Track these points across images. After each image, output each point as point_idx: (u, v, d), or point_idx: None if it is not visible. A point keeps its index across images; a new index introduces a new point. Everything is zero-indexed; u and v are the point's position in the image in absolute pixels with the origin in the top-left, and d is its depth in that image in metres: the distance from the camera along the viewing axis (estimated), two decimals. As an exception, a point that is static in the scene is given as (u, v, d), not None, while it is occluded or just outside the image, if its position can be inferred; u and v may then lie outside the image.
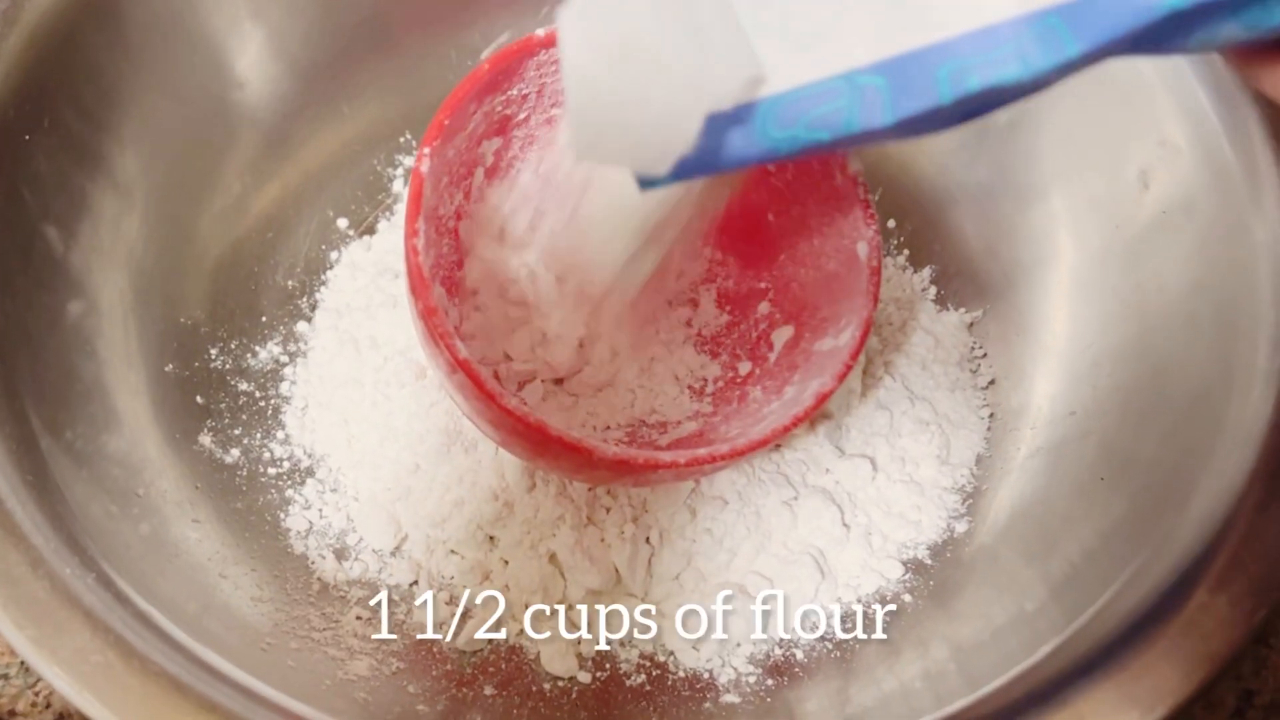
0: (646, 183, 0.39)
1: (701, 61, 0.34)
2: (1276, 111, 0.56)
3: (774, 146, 0.35)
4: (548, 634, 0.59)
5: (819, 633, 0.59)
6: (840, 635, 0.59)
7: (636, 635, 0.59)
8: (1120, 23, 0.32)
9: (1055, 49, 0.33)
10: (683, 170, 0.37)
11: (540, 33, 0.53)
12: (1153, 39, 0.33)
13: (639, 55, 0.34)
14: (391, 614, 0.59)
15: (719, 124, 0.35)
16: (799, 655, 0.59)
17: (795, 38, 0.35)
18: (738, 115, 0.35)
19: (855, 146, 0.36)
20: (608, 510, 0.60)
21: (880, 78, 0.34)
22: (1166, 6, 0.31)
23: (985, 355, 0.67)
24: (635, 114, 0.35)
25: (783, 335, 0.61)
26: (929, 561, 0.61)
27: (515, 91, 0.56)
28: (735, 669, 0.58)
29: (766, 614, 0.59)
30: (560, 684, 0.58)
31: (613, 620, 0.59)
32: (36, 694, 0.58)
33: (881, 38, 0.34)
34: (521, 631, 0.59)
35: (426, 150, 0.51)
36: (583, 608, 0.60)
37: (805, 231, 0.59)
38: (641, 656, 0.59)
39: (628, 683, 0.58)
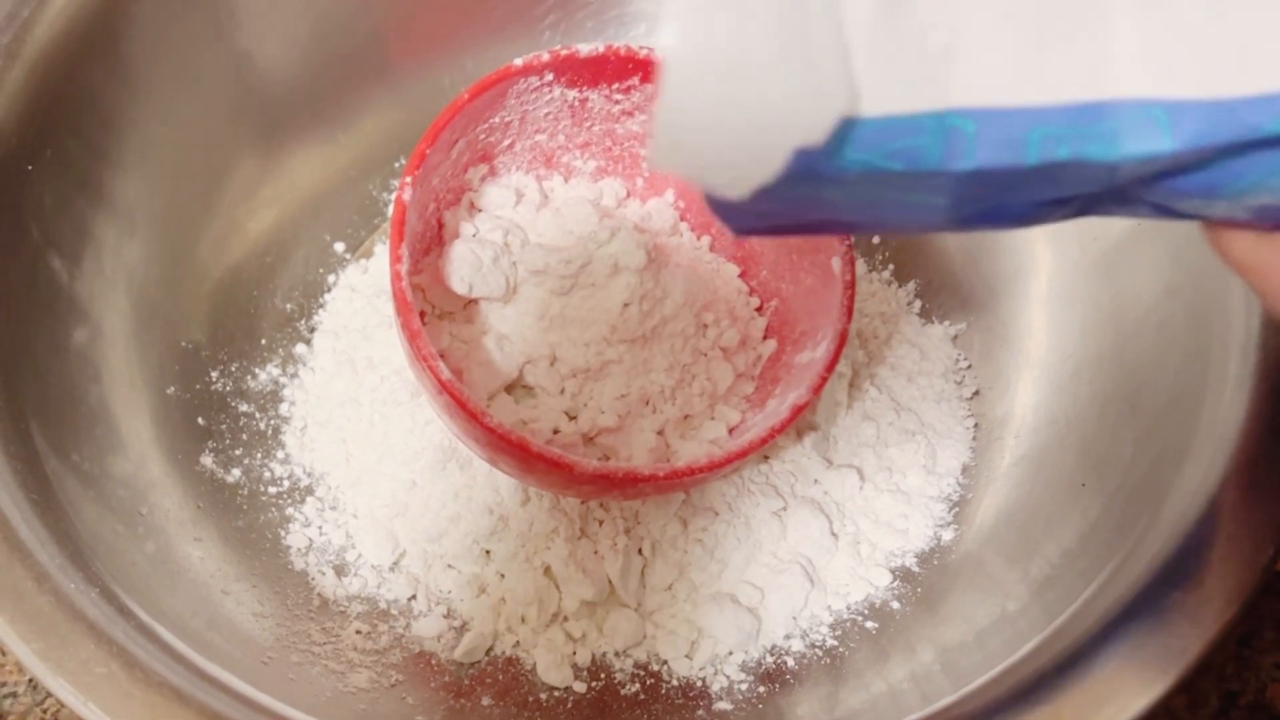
0: (741, 230, 0.37)
1: (803, 89, 0.32)
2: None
3: (843, 169, 0.33)
4: (543, 645, 0.60)
5: (809, 640, 0.60)
6: (830, 642, 0.60)
7: (630, 645, 0.60)
8: (1221, 131, 0.30)
9: (1149, 138, 0.31)
10: (763, 202, 0.34)
11: (518, 62, 0.54)
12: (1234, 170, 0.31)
13: (748, 68, 0.32)
14: (391, 627, 0.60)
15: (806, 159, 0.33)
16: (790, 662, 0.60)
17: (899, 70, 0.33)
18: (827, 151, 0.33)
19: (915, 212, 0.34)
20: (600, 523, 0.61)
21: (971, 123, 0.32)
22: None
23: (969, 366, 0.68)
24: (726, 129, 0.33)
25: (766, 349, 0.62)
26: (916, 569, 0.62)
27: (498, 119, 0.57)
28: (728, 677, 0.59)
29: (758, 622, 0.60)
30: (556, 694, 0.59)
31: (607, 630, 0.60)
32: (44, 710, 0.59)
33: (985, 86, 0.32)
34: (518, 643, 0.60)
35: (408, 179, 0.52)
36: (577, 619, 0.61)
37: (784, 248, 0.60)
38: (636, 666, 0.60)
39: (622, 692, 0.59)
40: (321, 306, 0.72)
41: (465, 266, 0.58)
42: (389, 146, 0.75)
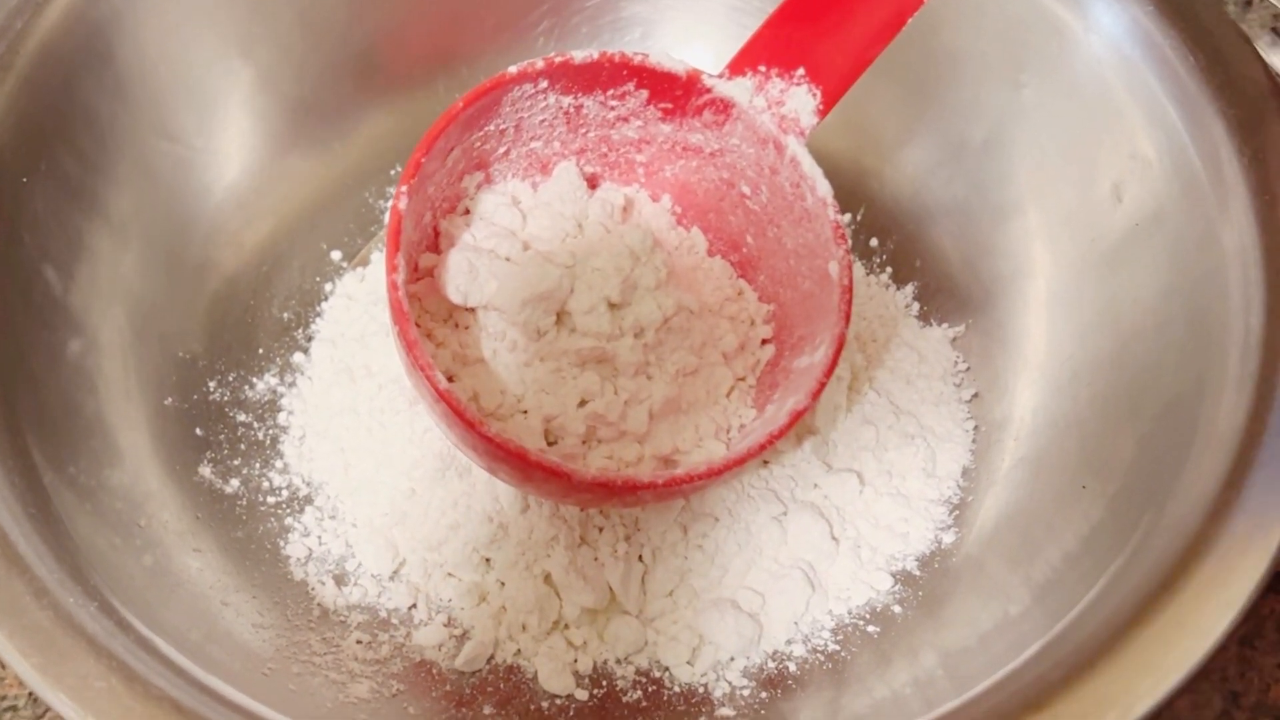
0: None
1: None
2: (1242, 122, 0.58)
3: None
4: (545, 653, 0.60)
5: (811, 645, 0.60)
6: (832, 647, 0.60)
7: (632, 652, 0.60)
8: None
9: None
10: None
11: (512, 69, 0.54)
12: None
13: None
14: (391, 637, 0.60)
15: None
16: (792, 667, 0.60)
17: None
18: None
19: None
20: (600, 530, 0.61)
21: None
22: None
23: (969, 369, 0.68)
24: None
25: (764, 354, 0.62)
26: (917, 572, 0.62)
27: (493, 127, 0.57)
28: (730, 683, 0.59)
29: (759, 628, 0.60)
30: (558, 702, 0.59)
31: (609, 638, 0.60)
32: (44, 724, 0.59)
33: None
34: (519, 651, 0.60)
35: (404, 188, 0.52)
36: (578, 626, 0.60)
37: (781, 253, 0.60)
38: (637, 673, 0.60)
39: (624, 699, 0.59)
40: (319, 315, 0.71)
41: (461, 275, 0.58)
42: (385, 154, 0.75)
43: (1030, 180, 0.66)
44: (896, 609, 0.61)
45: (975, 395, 0.67)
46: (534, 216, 0.61)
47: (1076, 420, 0.61)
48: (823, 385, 0.54)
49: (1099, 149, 0.63)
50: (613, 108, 0.59)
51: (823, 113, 0.57)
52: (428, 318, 0.60)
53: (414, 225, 0.55)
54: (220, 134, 0.69)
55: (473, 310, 0.60)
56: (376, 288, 0.71)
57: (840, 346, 0.54)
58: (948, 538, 0.63)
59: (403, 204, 0.52)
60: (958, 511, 0.64)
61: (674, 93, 0.58)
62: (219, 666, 0.50)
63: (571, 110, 0.59)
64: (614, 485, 0.52)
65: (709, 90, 0.57)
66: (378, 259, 0.73)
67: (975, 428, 0.66)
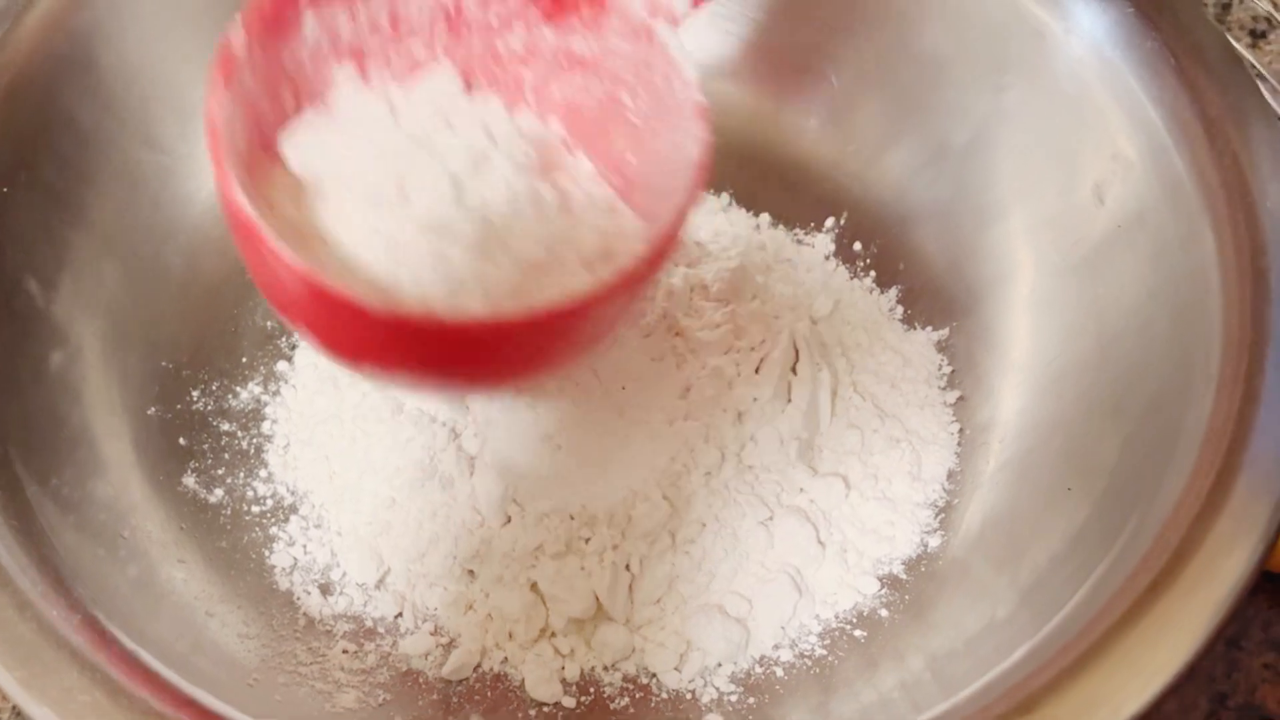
0: None
1: None
2: (1223, 122, 0.58)
3: None
4: (532, 660, 0.59)
5: (798, 650, 0.60)
6: (819, 652, 0.60)
7: (619, 659, 0.60)
8: None
9: None
10: None
11: None
12: None
13: None
14: (377, 646, 0.60)
15: None
16: (779, 673, 0.60)
17: None
18: None
19: None
20: (587, 540, 0.61)
21: None
22: None
23: (953, 372, 0.68)
24: None
25: None
26: (904, 576, 0.62)
27: (361, 7, 0.53)
28: (717, 689, 0.59)
29: (746, 633, 0.60)
30: (545, 709, 0.59)
31: (596, 645, 0.60)
32: (29, 738, 0.58)
33: None
34: (506, 659, 0.60)
35: (240, 19, 0.48)
36: (565, 634, 0.60)
37: (659, 163, 0.55)
38: (625, 680, 0.60)
39: (612, 706, 0.59)
40: (303, 323, 0.71)
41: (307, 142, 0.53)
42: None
43: (1013, 182, 0.67)
44: (883, 613, 0.61)
45: (960, 398, 0.68)
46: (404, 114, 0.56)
47: (1061, 422, 0.61)
48: (659, 257, 0.49)
49: (1081, 151, 0.63)
50: (491, 5, 0.55)
51: (697, 1, 0.53)
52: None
53: (248, 115, 0.51)
54: (204, 139, 0.69)
55: None
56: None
57: (681, 219, 0.49)
58: (934, 541, 0.63)
59: (237, 41, 0.48)
60: (943, 515, 0.64)
61: None
62: (204, 678, 0.49)
63: (452, 10, 0.55)
64: (466, 330, 0.46)
65: None
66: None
67: (960, 431, 0.66)
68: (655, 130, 0.55)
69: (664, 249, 0.49)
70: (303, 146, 0.53)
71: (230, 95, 0.49)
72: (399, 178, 0.51)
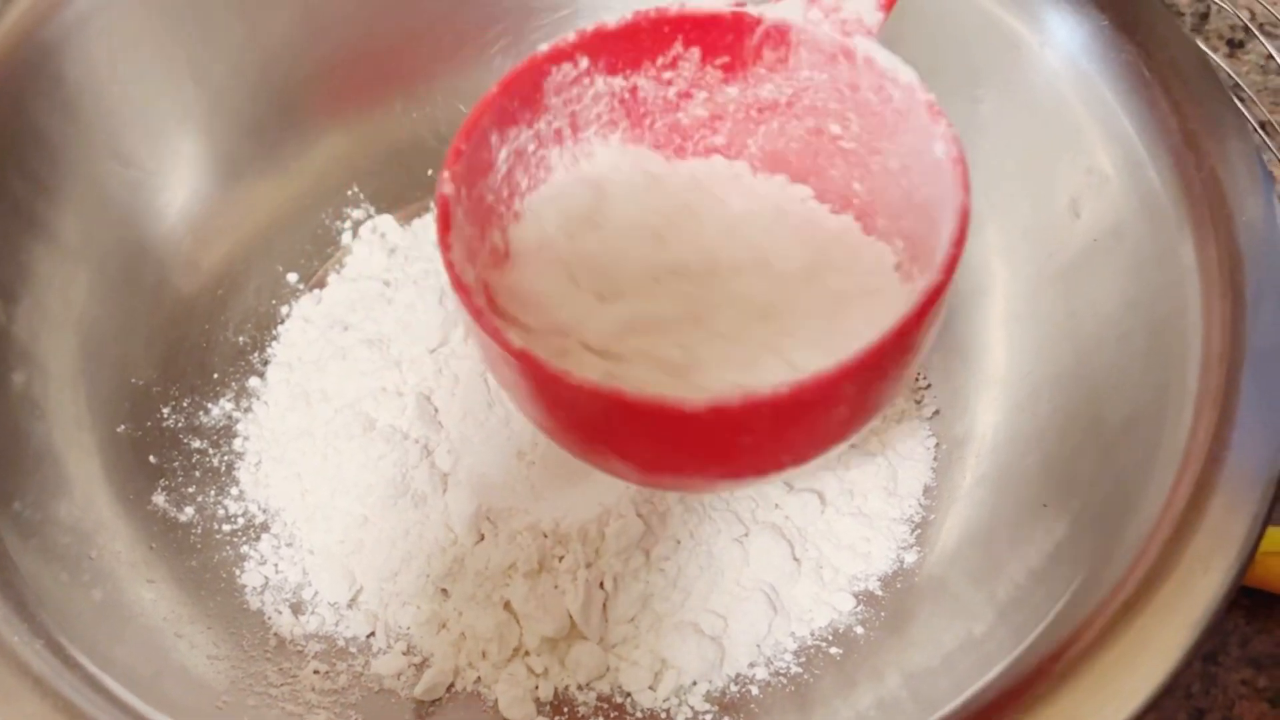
0: None
1: None
2: (1199, 135, 0.58)
3: None
4: (505, 680, 0.59)
5: (773, 668, 0.60)
6: (795, 670, 0.60)
7: (593, 679, 0.60)
8: None
9: None
10: None
11: (543, 47, 0.49)
12: None
13: None
14: (349, 666, 0.59)
15: None
16: (754, 691, 0.59)
17: None
18: None
19: None
20: (560, 559, 0.60)
21: None
22: None
23: (929, 386, 0.68)
24: None
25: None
26: (880, 592, 0.62)
27: (544, 124, 0.52)
28: (692, 708, 0.59)
29: (721, 651, 0.59)
30: (519, 729, 0.58)
31: (569, 664, 0.59)
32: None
33: None
34: (479, 678, 0.59)
35: (446, 174, 0.47)
36: (539, 654, 0.60)
37: (891, 181, 0.53)
38: (599, 699, 0.59)
39: (586, 725, 0.59)
40: (275, 339, 0.70)
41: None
42: (341, 175, 0.75)
43: (988, 196, 0.66)
44: (859, 630, 0.60)
45: (936, 412, 0.67)
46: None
47: (1038, 436, 0.61)
48: (955, 259, 0.45)
49: (1056, 164, 0.63)
50: (669, 81, 0.53)
51: (887, 5, 0.50)
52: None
53: (468, 218, 0.49)
54: (173, 156, 0.69)
55: None
56: (333, 310, 0.70)
57: (966, 217, 0.46)
58: (910, 557, 0.62)
59: (447, 189, 0.47)
60: (920, 530, 0.63)
61: (725, 39, 0.52)
62: (171, 703, 0.49)
63: (627, 96, 0.53)
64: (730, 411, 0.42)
65: (760, 21, 0.51)
66: (334, 281, 0.72)
67: (936, 445, 0.66)
68: (879, 150, 0.52)
69: (930, 300, 0.46)
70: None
71: (454, 242, 0.47)
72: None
